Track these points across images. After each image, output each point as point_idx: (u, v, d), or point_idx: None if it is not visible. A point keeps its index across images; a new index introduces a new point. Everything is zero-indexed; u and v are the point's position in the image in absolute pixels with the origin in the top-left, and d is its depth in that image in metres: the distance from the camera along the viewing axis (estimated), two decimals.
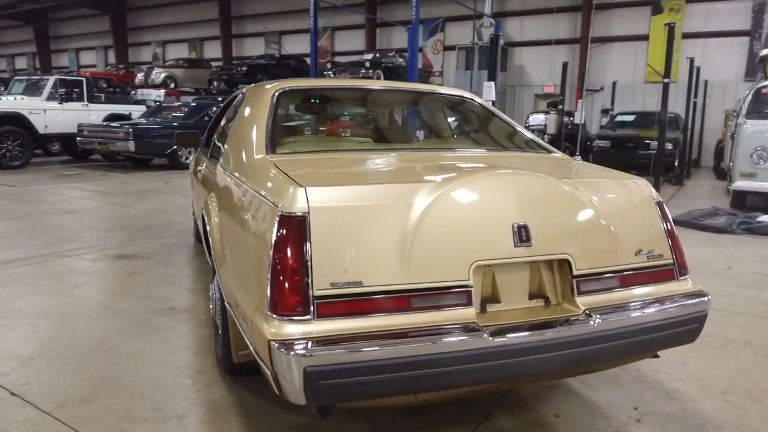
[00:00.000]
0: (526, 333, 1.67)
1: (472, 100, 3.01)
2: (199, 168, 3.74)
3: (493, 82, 8.18)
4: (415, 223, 1.66)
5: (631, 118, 13.83)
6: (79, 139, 11.06)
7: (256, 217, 1.83)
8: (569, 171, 2.30)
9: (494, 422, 2.19)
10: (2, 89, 13.36)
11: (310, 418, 2.16)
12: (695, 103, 12.65)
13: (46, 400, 2.26)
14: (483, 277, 1.78)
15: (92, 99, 12.10)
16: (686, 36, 16.00)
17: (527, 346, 1.65)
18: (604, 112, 16.07)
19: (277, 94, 2.60)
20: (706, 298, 1.99)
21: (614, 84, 16.71)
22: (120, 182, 9.27)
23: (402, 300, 1.63)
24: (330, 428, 2.12)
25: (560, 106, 11.65)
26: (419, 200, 1.69)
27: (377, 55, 17.69)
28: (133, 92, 16.83)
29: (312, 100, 3.31)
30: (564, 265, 1.84)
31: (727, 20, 15.75)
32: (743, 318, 3.42)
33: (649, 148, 10.67)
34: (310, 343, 1.50)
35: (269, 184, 1.85)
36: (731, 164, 7.70)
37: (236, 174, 2.29)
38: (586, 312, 1.78)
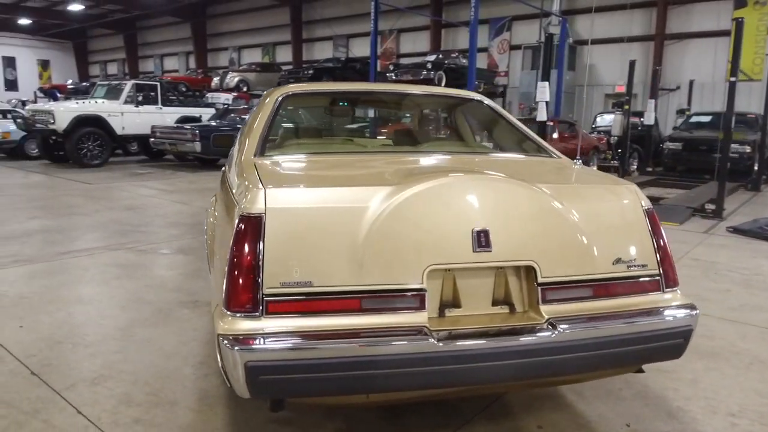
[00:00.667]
0: (477, 340, 1.64)
1: (481, 101, 2.97)
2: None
3: (546, 83, 7.96)
4: (369, 226, 1.68)
5: (707, 119, 12.93)
6: (152, 140, 11.85)
7: (228, 217, 1.92)
8: (555, 175, 2.23)
9: (472, 428, 2.16)
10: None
11: (291, 413, 2.23)
12: None
13: (59, 381, 2.47)
14: (443, 281, 1.77)
15: (166, 102, 12.87)
16: None
17: (476, 353, 1.62)
18: (680, 112, 15.14)
19: (280, 98, 2.68)
20: (693, 312, 1.87)
21: (691, 83, 15.68)
22: (186, 181, 9.80)
23: (352, 301, 1.66)
24: (307, 424, 2.18)
25: (626, 107, 11.11)
26: (374, 203, 1.70)
27: (440, 56, 17.59)
28: (205, 96, 17.69)
29: (317, 103, 3.38)
30: (530, 272, 1.79)
31: None
32: None
33: None
34: (253, 340, 1.56)
35: (244, 185, 1.92)
36: None
37: (228, 175, 2.40)
38: (550, 321, 1.73)
